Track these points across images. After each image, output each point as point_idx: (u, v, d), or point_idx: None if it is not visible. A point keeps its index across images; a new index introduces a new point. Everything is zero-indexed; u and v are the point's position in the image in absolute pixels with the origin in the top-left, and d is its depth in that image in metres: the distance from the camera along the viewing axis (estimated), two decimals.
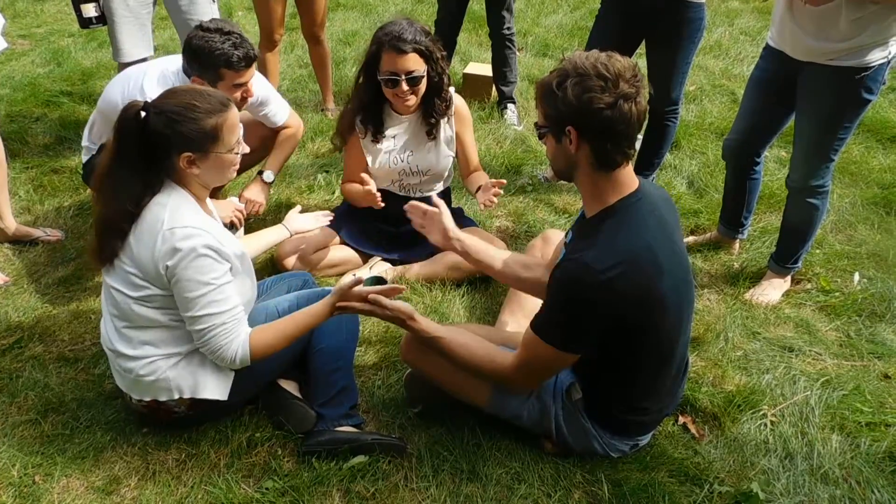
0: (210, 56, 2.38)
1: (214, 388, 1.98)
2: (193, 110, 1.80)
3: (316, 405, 2.11)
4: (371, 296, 1.86)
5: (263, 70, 3.73)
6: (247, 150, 1.98)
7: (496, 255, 2.22)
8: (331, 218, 2.63)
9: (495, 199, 2.53)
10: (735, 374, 2.40)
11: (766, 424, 2.21)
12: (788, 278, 2.85)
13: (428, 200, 2.35)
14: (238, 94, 2.47)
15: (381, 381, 2.34)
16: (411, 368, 2.16)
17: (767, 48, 2.58)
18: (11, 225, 2.95)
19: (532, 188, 3.48)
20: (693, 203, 3.37)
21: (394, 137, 2.75)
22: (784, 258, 2.79)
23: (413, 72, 2.53)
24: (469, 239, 2.23)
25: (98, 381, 2.31)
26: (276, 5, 3.65)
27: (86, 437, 2.12)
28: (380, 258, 2.87)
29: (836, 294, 2.80)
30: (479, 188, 2.66)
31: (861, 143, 3.89)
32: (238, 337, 1.89)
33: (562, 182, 3.38)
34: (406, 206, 2.33)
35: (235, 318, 1.88)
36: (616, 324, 1.72)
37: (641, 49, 3.13)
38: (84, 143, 2.85)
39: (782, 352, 2.51)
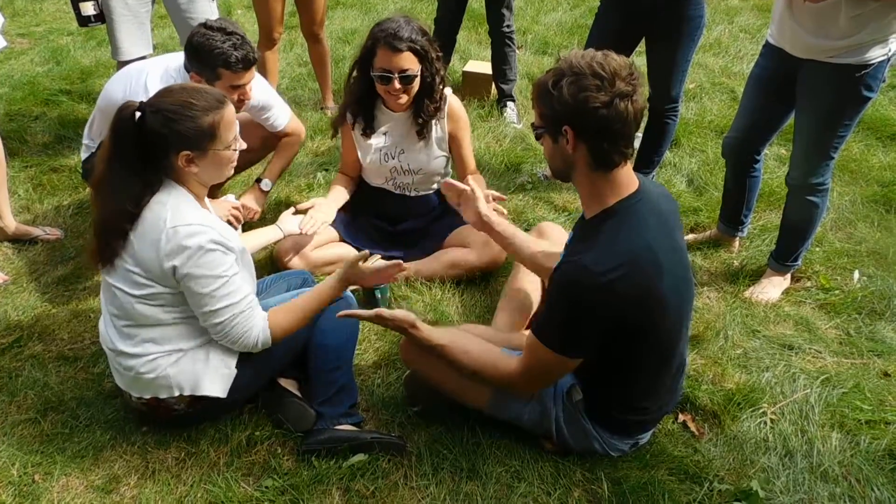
0: (209, 55, 2.38)
1: (214, 385, 1.98)
2: (190, 108, 1.80)
3: (315, 404, 2.11)
4: (371, 312, 1.90)
5: (262, 68, 3.72)
6: (244, 146, 1.98)
7: (525, 241, 2.27)
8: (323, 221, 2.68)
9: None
10: (735, 372, 2.40)
11: (765, 422, 2.20)
12: (788, 276, 2.85)
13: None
14: (235, 96, 2.45)
15: (380, 379, 2.34)
16: (410, 370, 2.16)
17: (767, 46, 2.58)
18: (11, 224, 2.95)
19: (531, 186, 3.48)
20: (693, 201, 3.37)
21: (385, 134, 2.74)
22: (784, 256, 2.79)
23: (407, 70, 2.52)
24: (500, 222, 2.29)
25: (97, 380, 2.31)
26: (276, 3, 3.64)
27: (85, 435, 2.12)
28: (379, 256, 2.86)
29: (836, 292, 2.80)
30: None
31: (861, 141, 3.88)
32: (257, 323, 1.92)
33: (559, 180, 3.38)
34: (442, 183, 2.42)
35: (250, 305, 1.92)
36: (616, 325, 1.71)
37: (641, 47, 3.13)
38: (84, 140, 2.85)
39: (782, 350, 2.51)
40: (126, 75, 2.65)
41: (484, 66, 4.28)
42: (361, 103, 2.69)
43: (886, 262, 2.96)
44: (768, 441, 2.15)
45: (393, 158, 2.77)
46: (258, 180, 2.91)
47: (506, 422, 2.06)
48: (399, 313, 1.89)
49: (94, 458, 2.06)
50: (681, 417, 2.21)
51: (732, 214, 2.99)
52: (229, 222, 2.57)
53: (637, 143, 3.19)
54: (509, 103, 4.13)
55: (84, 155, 2.87)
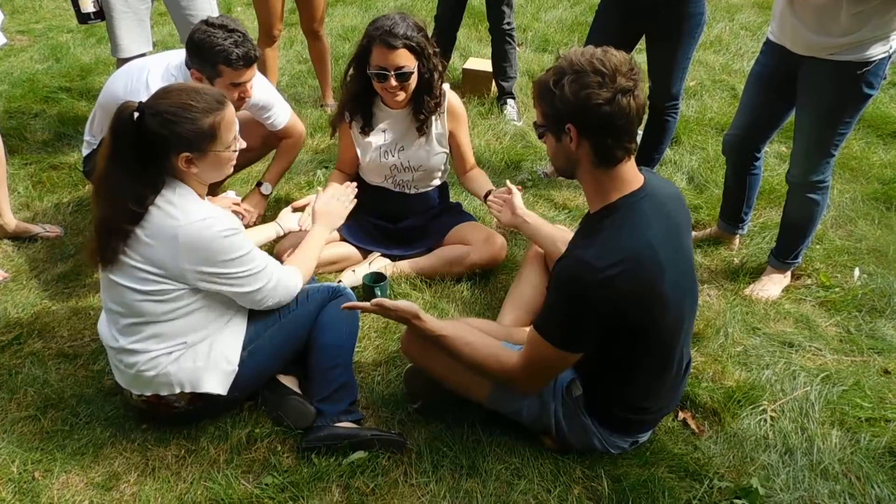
0: (210, 52, 2.37)
1: (215, 382, 1.99)
2: (190, 110, 1.79)
3: (315, 401, 2.11)
4: (374, 301, 1.89)
5: (262, 66, 3.71)
6: (244, 145, 1.98)
7: (556, 236, 2.31)
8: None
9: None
10: (735, 370, 2.39)
11: (765, 420, 2.20)
12: (788, 274, 2.84)
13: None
14: (235, 94, 2.45)
15: (380, 377, 2.34)
16: (411, 363, 2.16)
17: (768, 43, 2.57)
18: (11, 221, 2.95)
19: (532, 184, 3.47)
20: (693, 198, 3.36)
21: (384, 132, 2.74)
22: (784, 254, 2.79)
23: (402, 67, 2.51)
24: (533, 217, 2.38)
25: (97, 378, 2.31)
26: (276, 0, 3.64)
27: (85, 433, 2.12)
28: (379, 254, 2.87)
29: (837, 289, 2.79)
30: (488, 192, 2.66)
31: (861, 139, 3.88)
32: (289, 281, 2.05)
33: (561, 178, 3.37)
34: (489, 200, 2.56)
35: (276, 269, 2.02)
36: (616, 322, 1.71)
37: (641, 45, 3.12)
38: (85, 136, 2.85)
39: (782, 347, 2.51)
40: (127, 72, 2.65)
41: (484, 64, 4.27)
42: (359, 101, 2.68)
43: (887, 259, 2.96)
44: (768, 438, 2.15)
45: (392, 155, 2.76)
46: (259, 184, 2.91)
47: (506, 416, 2.05)
48: (402, 303, 1.88)
49: (94, 455, 2.06)
50: (681, 415, 2.21)
51: (733, 212, 2.99)
52: None
53: (638, 139, 3.18)
54: (509, 101, 4.12)
55: (85, 152, 2.86)
